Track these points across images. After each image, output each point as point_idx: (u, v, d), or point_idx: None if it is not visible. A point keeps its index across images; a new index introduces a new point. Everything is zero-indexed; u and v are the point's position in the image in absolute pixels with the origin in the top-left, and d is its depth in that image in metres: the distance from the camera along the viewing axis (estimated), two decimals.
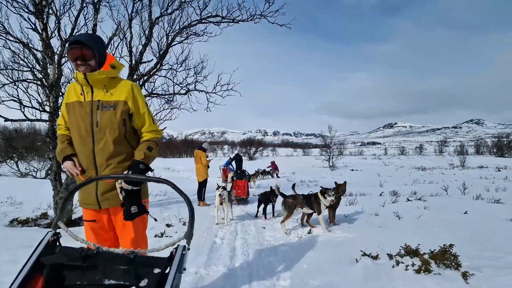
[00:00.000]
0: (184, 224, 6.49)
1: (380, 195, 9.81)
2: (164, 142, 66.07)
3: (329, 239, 5.00)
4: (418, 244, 3.87)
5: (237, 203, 8.82)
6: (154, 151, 2.36)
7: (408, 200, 8.42)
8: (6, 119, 6.03)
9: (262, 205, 7.24)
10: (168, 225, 6.33)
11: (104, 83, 2.28)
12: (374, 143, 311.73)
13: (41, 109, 6.18)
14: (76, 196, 2.23)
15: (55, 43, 6.53)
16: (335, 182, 6.15)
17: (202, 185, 9.19)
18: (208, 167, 9.42)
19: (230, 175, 15.16)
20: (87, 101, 2.28)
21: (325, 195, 5.53)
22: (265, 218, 7.03)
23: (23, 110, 6.17)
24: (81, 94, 2.29)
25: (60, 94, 7.13)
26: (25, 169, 16.33)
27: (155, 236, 5.42)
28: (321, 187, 5.80)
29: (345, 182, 6.16)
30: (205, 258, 4.25)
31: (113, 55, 6.98)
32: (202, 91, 7.66)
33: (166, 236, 5.44)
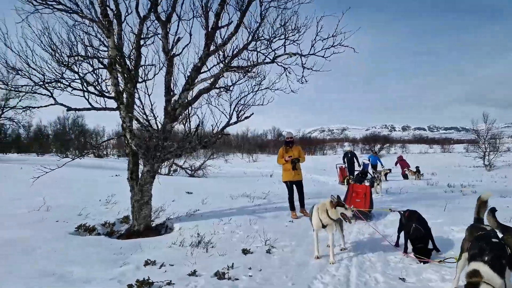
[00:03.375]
0: (268, 251, 4.29)
1: None
2: (281, 140, 66.13)
3: None
4: None
5: (355, 217, 6.07)
6: None
7: None
8: (69, 108, 5.14)
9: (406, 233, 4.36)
10: (245, 251, 4.25)
11: None
12: None
13: (96, 92, 5.05)
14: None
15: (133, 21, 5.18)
16: None
17: (288, 189, 6.89)
18: (294, 168, 6.86)
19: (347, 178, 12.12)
20: None
21: None
22: (407, 253, 4.14)
23: (87, 97, 5.19)
24: None
25: (138, 79, 6.04)
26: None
27: (215, 274, 3.40)
28: None
29: None
30: None
31: (179, 17, 5.39)
32: (294, 54, 5.30)
33: (229, 279, 3.33)
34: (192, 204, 7.87)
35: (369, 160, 16.74)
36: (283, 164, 6.85)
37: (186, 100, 6.13)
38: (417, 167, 16.54)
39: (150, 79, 6.68)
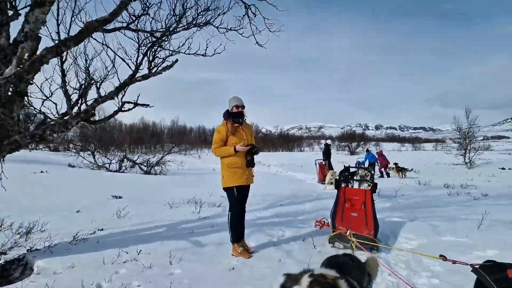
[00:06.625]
0: None
1: None
2: (259, 136, 63.30)
3: None
4: None
5: (354, 248, 3.44)
6: None
7: None
8: None
9: None
10: None
11: None
12: (500, 137, 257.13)
13: None
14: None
15: None
16: None
17: (233, 201, 3.64)
18: (251, 163, 3.67)
19: (329, 175, 9.28)
20: None
21: None
22: None
23: None
24: None
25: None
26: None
27: None
28: None
29: None
30: None
31: None
32: None
33: None
34: (101, 217, 5.00)
35: (365, 160, 14.66)
36: (227, 154, 3.55)
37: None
38: (395, 164, 14.78)
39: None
